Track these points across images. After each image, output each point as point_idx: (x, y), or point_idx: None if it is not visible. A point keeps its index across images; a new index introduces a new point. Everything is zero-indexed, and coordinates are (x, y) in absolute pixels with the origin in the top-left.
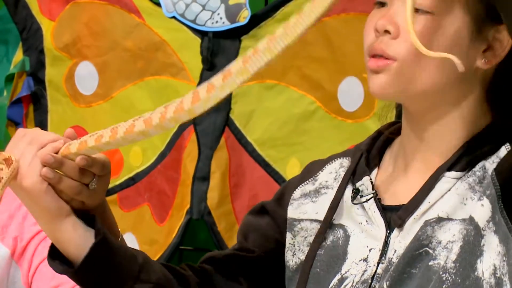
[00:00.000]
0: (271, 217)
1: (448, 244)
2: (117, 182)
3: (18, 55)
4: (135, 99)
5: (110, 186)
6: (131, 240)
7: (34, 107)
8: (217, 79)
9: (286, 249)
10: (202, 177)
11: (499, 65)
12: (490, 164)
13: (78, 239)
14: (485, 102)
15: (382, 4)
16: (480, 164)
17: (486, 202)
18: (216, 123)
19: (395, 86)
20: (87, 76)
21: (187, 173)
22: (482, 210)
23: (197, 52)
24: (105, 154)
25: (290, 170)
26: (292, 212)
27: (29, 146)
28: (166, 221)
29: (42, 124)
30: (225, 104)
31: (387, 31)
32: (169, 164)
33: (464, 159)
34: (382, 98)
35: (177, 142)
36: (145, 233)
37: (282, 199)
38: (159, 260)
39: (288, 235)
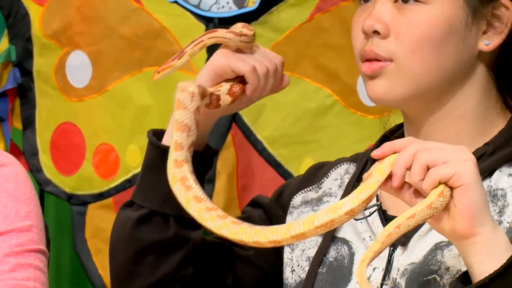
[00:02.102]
0: (264, 211)
1: (458, 274)
2: (112, 185)
3: (3, 44)
4: (133, 92)
5: (105, 189)
6: None
7: (20, 101)
8: None
9: (284, 265)
10: (206, 179)
11: (503, 46)
12: (510, 188)
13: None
14: (498, 99)
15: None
16: (495, 176)
17: None
18: (222, 119)
19: (397, 88)
20: (79, 67)
21: None
22: None
23: None
24: (101, 154)
25: (305, 171)
26: None
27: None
28: None
29: (29, 119)
30: None
31: (376, 32)
32: None
33: None
34: (385, 104)
35: None
36: None
37: (281, 196)
38: None
39: (287, 250)
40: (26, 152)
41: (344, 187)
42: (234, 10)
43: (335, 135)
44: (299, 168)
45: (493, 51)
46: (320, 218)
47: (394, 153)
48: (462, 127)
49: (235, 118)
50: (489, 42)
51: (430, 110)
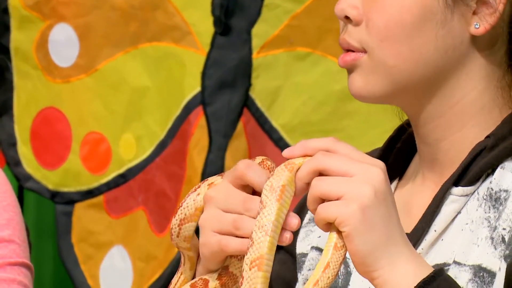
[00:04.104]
0: (286, 250)
1: None
2: (103, 180)
3: None
4: (127, 72)
5: (94, 185)
6: (121, 255)
7: None
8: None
9: None
10: (213, 173)
11: None
12: None
13: None
14: (509, 87)
15: None
16: (496, 175)
17: (503, 266)
18: (232, 103)
19: (373, 84)
20: (64, 43)
21: (194, 168)
22: (499, 274)
23: (207, 11)
24: (90, 144)
25: None
26: (300, 245)
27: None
28: (166, 230)
29: (6, 104)
30: (243, 78)
31: (347, 17)
32: (171, 157)
33: (474, 166)
34: (368, 102)
35: (181, 128)
36: (140, 246)
37: (301, 215)
38: (159, 282)
39: (299, 277)
40: (2, 143)
41: None
42: None
43: (364, 122)
44: None
45: (496, 33)
46: None
47: (305, 155)
48: (465, 122)
49: (246, 102)
50: (479, 25)
51: (424, 106)
